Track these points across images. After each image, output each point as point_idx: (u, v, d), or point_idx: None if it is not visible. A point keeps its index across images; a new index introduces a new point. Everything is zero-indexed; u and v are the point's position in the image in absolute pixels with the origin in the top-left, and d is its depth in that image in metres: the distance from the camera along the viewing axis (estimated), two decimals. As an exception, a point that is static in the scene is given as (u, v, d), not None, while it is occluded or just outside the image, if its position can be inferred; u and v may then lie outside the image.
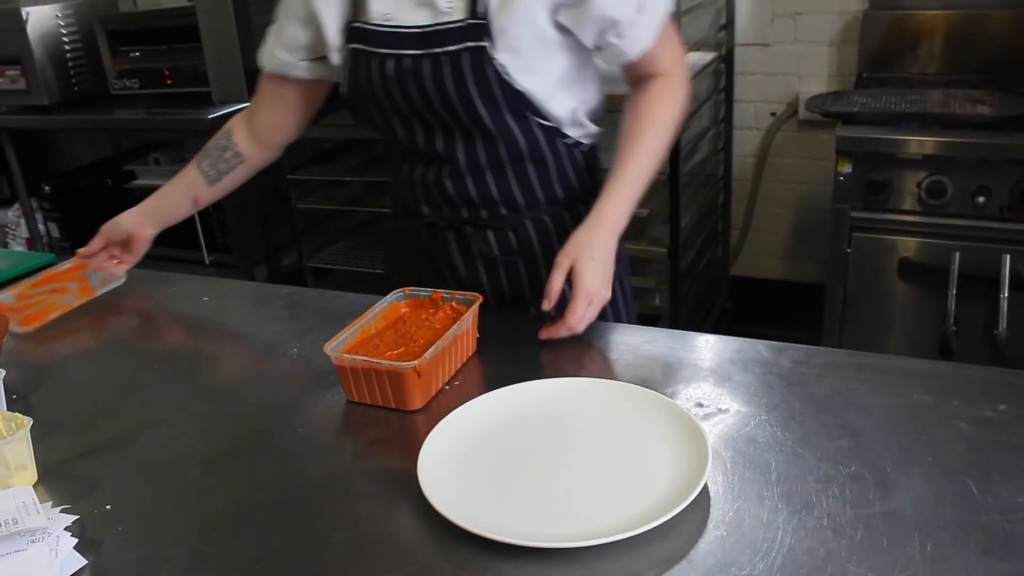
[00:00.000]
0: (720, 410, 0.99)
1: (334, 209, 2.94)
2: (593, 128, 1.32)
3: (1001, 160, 1.96)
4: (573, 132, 1.29)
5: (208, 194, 1.46)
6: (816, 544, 0.78)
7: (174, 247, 3.18)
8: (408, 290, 1.18)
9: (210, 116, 2.80)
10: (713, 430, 0.94)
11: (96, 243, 1.47)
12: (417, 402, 1.02)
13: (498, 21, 1.16)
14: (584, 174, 1.33)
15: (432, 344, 1.05)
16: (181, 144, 3.15)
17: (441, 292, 1.17)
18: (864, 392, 1.02)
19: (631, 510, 0.82)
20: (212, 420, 1.05)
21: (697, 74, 2.54)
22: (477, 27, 1.16)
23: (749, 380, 1.05)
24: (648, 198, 2.50)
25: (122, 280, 1.46)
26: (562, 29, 1.19)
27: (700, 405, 1.00)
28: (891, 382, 1.04)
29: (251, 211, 2.95)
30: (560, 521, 0.82)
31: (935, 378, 1.04)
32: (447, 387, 1.08)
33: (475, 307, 1.12)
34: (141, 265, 1.48)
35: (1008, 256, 1.97)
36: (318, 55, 1.33)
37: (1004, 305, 1.99)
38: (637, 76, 1.28)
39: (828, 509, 0.82)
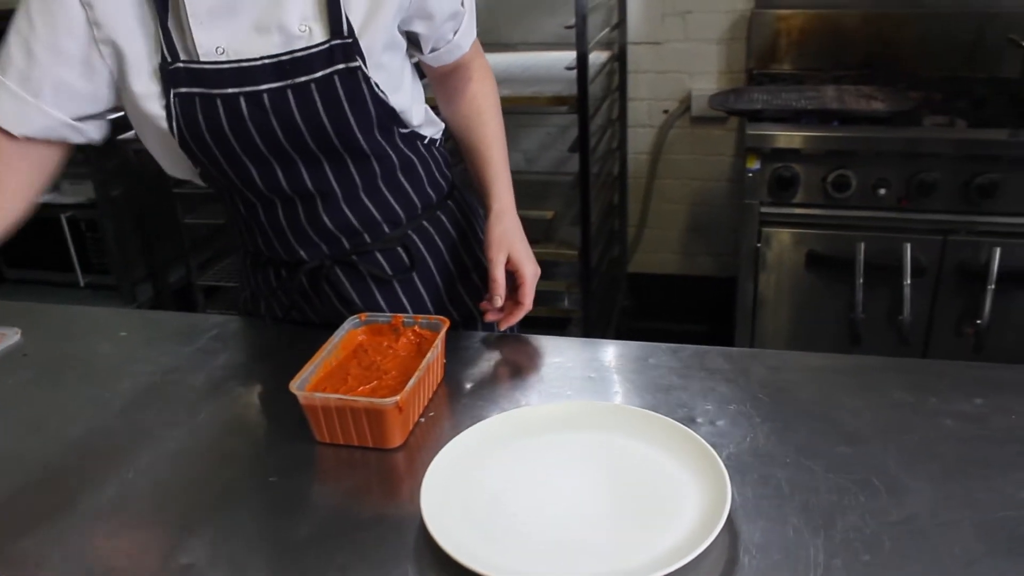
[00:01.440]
0: (713, 424, 0.97)
1: (221, 224, 2.78)
2: (440, 123, 1.29)
3: (897, 153, 2.04)
4: (428, 131, 1.25)
5: None
6: (850, 559, 0.76)
7: (43, 269, 2.95)
8: (364, 316, 1.11)
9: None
10: (714, 445, 0.91)
11: None
12: (397, 440, 0.95)
13: (364, 39, 1.06)
14: (444, 169, 1.30)
15: (405, 375, 0.99)
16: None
17: (402, 317, 1.10)
18: (847, 395, 1.02)
19: (658, 543, 0.78)
20: (170, 475, 0.94)
21: (596, 75, 2.53)
22: (345, 47, 1.04)
23: (734, 391, 1.03)
24: (551, 200, 2.50)
25: (18, 336, 1.29)
26: (405, 37, 1.16)
27: (692, 420, 0.97)
28: (868, 383, 1.04)
29: (129, 228, 2.76)
30: (586, 559, 0.77)
31: (908, 375, 1.06)
32: (422, 419, 1.01)
33: (443, 332, 1.06)
34: (11, 295, 1.26)
35: (909, 245, 2.06)
36: (104, 108, 1.10)
37: (907, 292, 2.08)
38: (456, 76, 1.29)
39: (850, 522, 0.81)
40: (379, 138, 1.13)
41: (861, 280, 2.11)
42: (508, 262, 1.18)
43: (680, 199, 3.06)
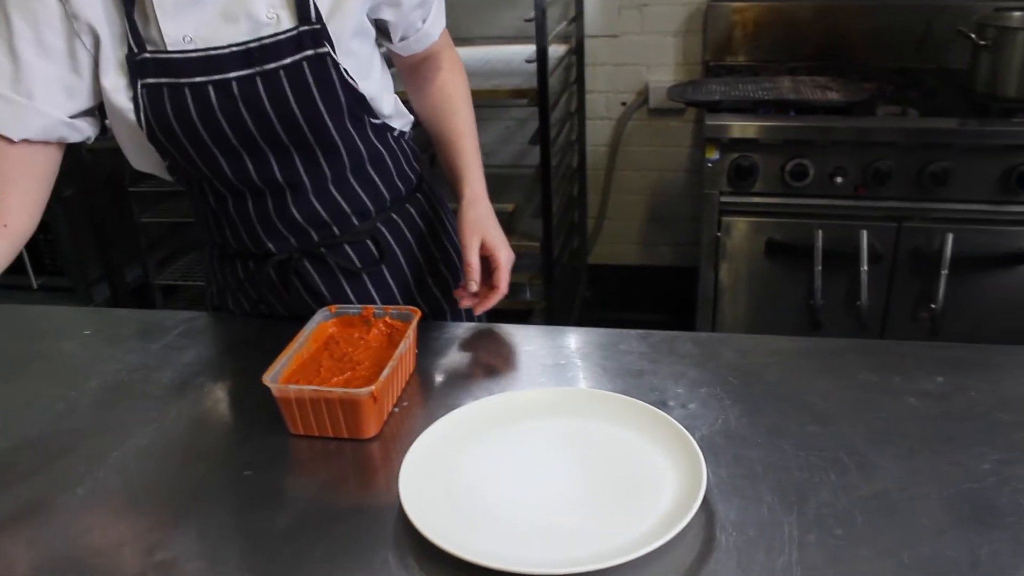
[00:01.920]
0: (685, 407, 0.98)
1: (178, 222, 2.74)
2: (409, 115, 1.30)
3: (852, 142, 2.08)
4: (398, 124, 1.25)
5: None
6: (824, 534, 0.78)
7: (-8, 272, 2.87)
8: (335, 308, 1.10)
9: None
10: (687, 428, 0.92)
11: None
12: (372, 430, 0.95)
13: (332, 25, 1.06)
14: (413, 162, 1.30)
15: (378, 366, 0.99)
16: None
17: (372, 308, 1.10)
18: (814, 377, 1.04)
19: (636, 525, 0.79)
20: (142, 472, 0.93)
21: (555, 68, 2.54)
22: (313, 33, 1.04)
23: (704, 375, 1.05)
24: (512, 193, 2.51)
25: None
26: (375, 25, 1.16)
27: (664, 404, 0.99)
28: (834, 364, 1.07)
29: (83, 228, 2.70)
30: (566, 543, 0.78)
31: (872, 356, 1.09)
32: (396, 409, 1.01)
33: (414, 322, 1.06)
34: None
35: (865, 232, 2.10)
36: (95, 102, 1.08)
37: (864, 278, 2.12)
38: (425, 66, 1.30)
39: (822, 498, 0.83)
40: (349, 127, 1.13)
41: (820, 267, 2.14)
42: (482, 247, 1.18)
43: (639, 190, 3.09)
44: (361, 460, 0.93)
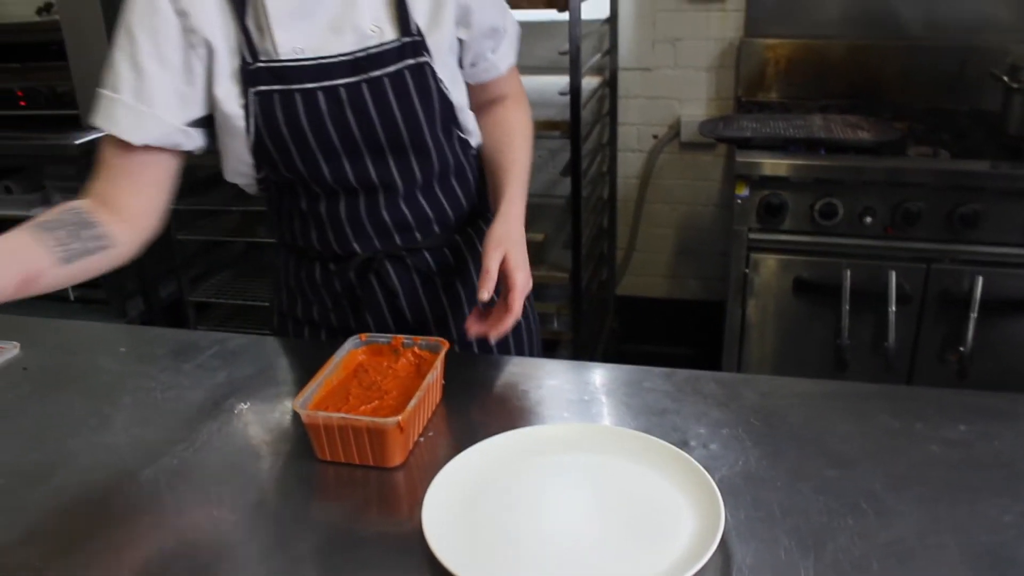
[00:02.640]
0: (706, 447, 0.99)
1: (214, 240, 2.79)
2: (480, 136, 1.34)
3: (883, 182, 2.09)
4: (474, 141, 1.32)
5: (53, 277, 1.04)
6: (840, 582, 0.78)
7: (31, 284, 2.93)
8: (365, 336, 1.12)
9: (77, 141, 2.59)
10: (707, 468, 0.93)
11: None
12: (398, 458, 0.97)
13: (430, 38, 1.16)
14: (481, 181, 1.36)
15: (405, 395, 1.01)
16: (38, 171, 2.90)
17: (401, 338, 1.12)
18: (836, 420, 1.04)
19: (653, 564, 0.80)
20: (169, 490, 0.95)
21: (588, 100, 2.57)
22: (414, 44, 1.15)
23: (726, 416, 1.06)
24: (542, 223, 2.52)
25: (16, 350, 1.30)
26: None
27: (686, 444, 1.00)
28: (857, 408, 1.07)
29: (120, 243, 2.75)
30: (584, 578, 0.79)
31: (895, 401, 1.09)
32: (421, 439, 1.03)
33: (442, 353, 1.08)
34: (4, 309, 1.22)
35: (894, 272, 2.10)
36: (207, 112, 1.15)
37: (892, 319, 2.11)
38: (490, 98, 1.35)
39: (839, 544, 0.83)
40: (440, 136, 1.21)
41: (847, 306, 2.14)
42: (502, 264, 1.15)
43: (669, 223, 3.10)
44: (386, 488, 0.95)
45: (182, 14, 1.08)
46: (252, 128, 1.13)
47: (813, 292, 2.20)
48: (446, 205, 1.28)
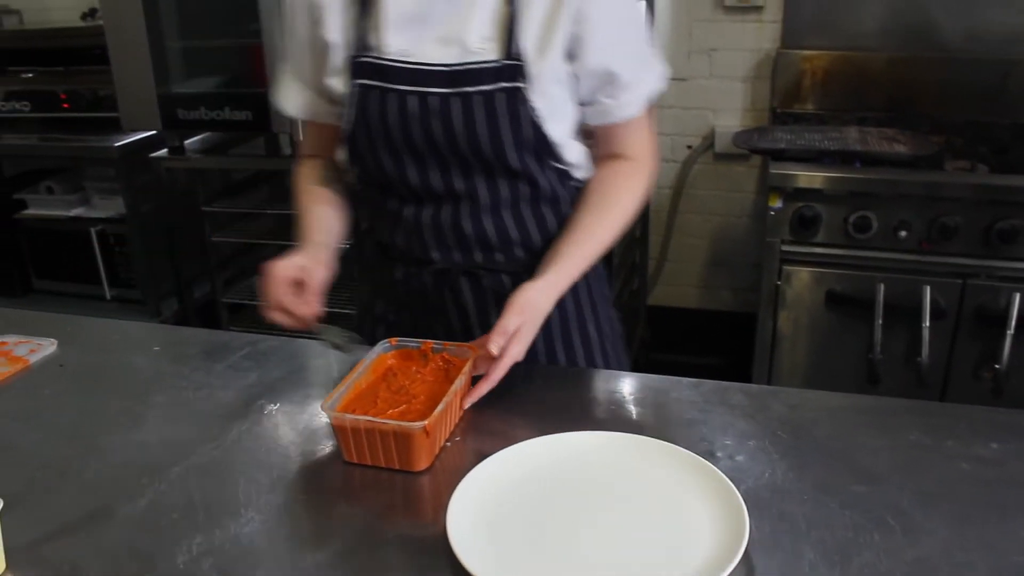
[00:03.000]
0: (732, 459, 0.99)
1: (248, 243, 2.83)
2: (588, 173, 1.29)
3: (919, 196, 2.06)
4: (580, 174, 1.26)
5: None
6: (865, 598, 0.78)
7: (70, 281, 3.00)
8: (395, 340, 1.13)
9: (117, 144, 2.65)
10: (733, 481, 0.93)
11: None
12: (423, 463, 0.97)
13: (534, 65, 1.13)
14: None
15: (433, 400, 1.01)
16: (79, 172, 2.96)
17: (431, 343, 1.13)
18: (864, 435, 1.03)
19: (676, 574, 0.80)
20: (198, 487, 0.97)
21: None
22: (513, 68, 1.13)
23: (754, 428, 1.05)
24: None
25: (54, 347, 1.33)
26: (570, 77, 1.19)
27: (712, 454, 0.99)
28: (886, 423, 1.06)
29: (157, 243, 2.80)
30: (606, 587, 0.79)
31: (926, 417, 1.07)
32: (448, 444, 1.04)
33: (471, 359, 1.08)
34: (39, 305, 1.31)
35: (928, 287, 2.07)
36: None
37: (926, 334, 2.09)
38: (608, 153, 1.27)
39: (865, 559, 0.82)
40: (532, 161, 1.18)
41: (880, 321, 2.12)
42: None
43: (701, 234, 3.09)
44: (412, 492, 0.96)
45: (314, 5, 1.19)
46: (349, 118, 1.18)
47: (846, 305, 2.18)
48: (533, 228, 1.24)
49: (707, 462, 0.94)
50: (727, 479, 0.90)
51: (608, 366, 1.33)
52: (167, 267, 2.79)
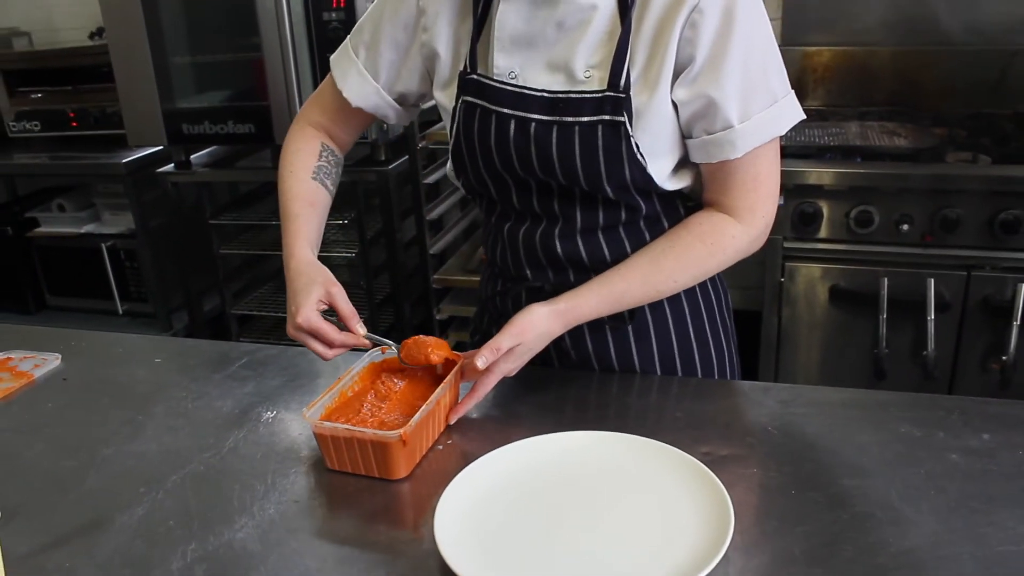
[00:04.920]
0: (723, 456, 0.99)
1: (255, 254, 2.85)
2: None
3: (920, 189, 2.05)
4: (691, 201, 1.20)
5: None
6: (849, 590, 0.78)
7: (83, 297, 3.04)
8: (386, 349, 1.14)
9: (125, 160, 2.68)
10: (721, 477, 0.93)
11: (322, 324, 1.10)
12: (402, 471, 0.98)
13: (637, 99, 1.07)
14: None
15: (417, 409, 1.01)
16: (89, 189, 3.00)
17: (420, 353, 1.14)
18: (854, 429, 1.04)
19: (661, 570, 0.80)
20: (194, 495, 0.99)
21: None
22: (616, 101, 1.06)
23: (744, 424, 1.06)
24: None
25: (58, 361, 1.35)
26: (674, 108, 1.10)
27: (701, 451, 1.00)
28: (876, 417, 1.06)
29: (166, 258, 2.84)
30: (590, 584, 0.80)
31: (916, 410, 1.07)
32: (440, 447, 1.05)
33: (456, 368, 1.09)
34: (52, 321, 1.33)
35: (932, 280, 2.06)
36: (411, 102, 1.30)
37: (931, 327, 2.08)
38: (710, 198, 1.15)
39: (850, 554, 0.82)
40: (631, 194, 1.12)
41: (885, 315, 2.11)
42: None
43: (707, 233, 3.07)
44: (400, 498, 0.97)
45: (423, 12, 1.18)
46: (453, 132, 1.19)
47: (850, 301, 2.17)
48: (629, 249, 1.17)
49: (694, 458, 0.94)
50: (713, 475, 0.91)
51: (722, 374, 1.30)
52: (177, 281, 2.82)
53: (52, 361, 1.35)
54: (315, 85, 2.34)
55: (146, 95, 2.47)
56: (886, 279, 2.10)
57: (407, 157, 2.55)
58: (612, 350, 1.22)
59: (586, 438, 1.00)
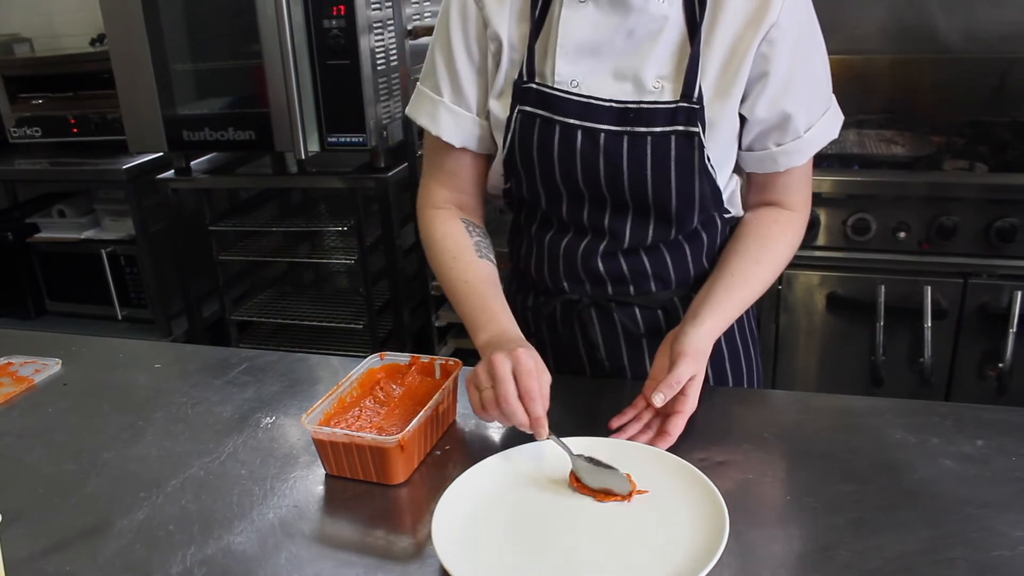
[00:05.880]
0: (719, 462, 1.00)
1: (255, 260, 2.86)
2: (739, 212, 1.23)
3: (917, 197, 2.07)
4: (733, 210, 1.21)
5: None
6: (843, 595, 0.79)
7: (83, 303, 3.04)
8: (385, 355, 1.15)
9: (125, 166, 2.69)
10: (717, 483, 0.94)
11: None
12: (400, 476, 0.99)
13: (711, 110, 1.07)
14: (721, 245, 1.23)
15: (415, 415, 1.01)
16: (90, 195, 3.01)
17: (420, 357, 1.14)
18: (850, 436, 1.04)
19: (657, 575, 0.81)
20: (193, 500, 0.99)
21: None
22: (690, 111, 1.06)
23: (740, 430, 1.06)
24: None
25: (59, 366, 1.36)
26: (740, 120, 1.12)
27: (696, 457, 1.00)
28: (871, 424, 1.07)
29: (166, 264, 2.84)
30: (587, 589, 0.80)
31: (911, 416, 1.08)
32: (437, 452, 1.05)
33: (455, 373, 1.10)
34: (52, 327, 1.33)
35: (929, 287, 2.07)
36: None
37: (928, 334, 2.09)
38: (764, 200, 1.19)
39: (846, 558, 0.83)
40: (691, 209, 1.12)
41: (882, 322, 2.12)
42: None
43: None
44: (391, 504, 0.97)
45: (487, 22, 1.13)
46: (507, 142, 1.14)
47: (847, 308, 2.18)
48: (669, 264, 1.18)
49: (690, 464, 0.95)
50: (709, 481, 0.91)
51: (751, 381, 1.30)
52: (177, 287, 2.83)
53: (52, 366, 1.36)
54: (316, 92, 2.35)
55: (147, 101, 2.48)
56: (883, 286, 2.11)
57: (406, 164, 2.56)
58: (648, 361, 1.22)
59: (582, 444, 1.00)
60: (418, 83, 1.22)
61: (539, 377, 0.99)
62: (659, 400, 1.01)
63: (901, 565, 0.82)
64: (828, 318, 2.21)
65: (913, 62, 2.59)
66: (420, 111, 1.21)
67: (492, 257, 1.20)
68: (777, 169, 1.14)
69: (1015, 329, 2.03)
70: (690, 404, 1.02)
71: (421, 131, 1.25)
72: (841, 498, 0.92)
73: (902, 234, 2.07)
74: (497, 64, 1.14)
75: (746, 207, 1.21)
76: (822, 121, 1.13)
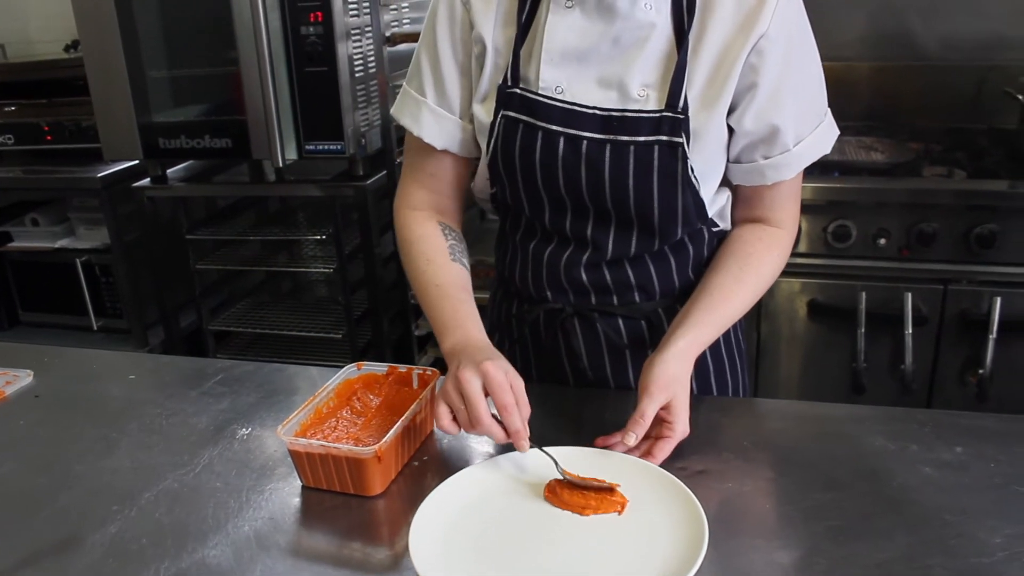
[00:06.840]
0: (698, 472, 0.99)
1: (232, 270, 2.83)
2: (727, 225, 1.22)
3: (897, 204, 2.08)
4: (723, 223, 1.19)
5: None
6: (823, 605, 0.78)
7: (57, 313, 3.00)
8: (362, 365, 1.14)
9: (100, 174, 2.66)
10: (696, 492, 0.93)
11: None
12: (377, 488, 0.97)
13: (696, 120, 1.06)
14: (708, 258, 1.21)
15: (392, 425, 1.00)
16: (64, 203, 2.97)
17: (398, 367, 1.13)
18: (829, 444, 1.04)
19: (636, 583, 0.80)
20: (167, 513, 0.97)
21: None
22: (674, 121, 1.04)
23: (720, 438, 1.06)
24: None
25: (30, 378, 1.33)
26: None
27: (676, 466, 0.99)
28: (851, 431, 1.07)
29: (142, 273, 2.81)
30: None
31: (890, 424, 1.08)
32: (415, 463, 1.04)
33: (433, 383, 1.09)
34: (26, 337, 1.31)
35: (909, 294, 2.08)
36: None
37: (909, 341, 2.09)
38: (750, 216, 1.18)
39: (823, 567, 0.83)
40: (674, 223, 1.11)
41: (863, 329, 2.13)
42: (663, 408, 1.01)
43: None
44: (367, 516, 0.96)
45: (474, 23, 1.12)
46: (491, 147, 1.13)
47: (828, 315, 2.19)
48: (653, 276, 1.18)
49: (669, 473, 0.94)
50: (688, 490, 0.91)
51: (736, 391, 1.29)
52: (153, 296, 2.79)
53: (24, 378, 1.33)
54: (293, 99, 2.33)
55: (122, 109, 2.45)
56: (864, 293, 2.11)
57: (385, 172, 2.55)
58: (631, 371, 1.21)
59: (561, 453, 0.99)
60: (404, 83, 1.22)
61: (513, 386, 0.98)
62: (631, 440, 0.99)
63: (880, 573, 0.81)
64: (809, 325, 2.22)
65: (892, 70, 2.61)
66: (404, 111, 1.21)
67: (466, 262, 1.19)
68: (764, 182, 1.12)
69: (995, 335, 2.04)
70: (679, 429, 1.00)
71: (400, 138, 1.24)
72: (821, 506, 0.92)
73: (882, 241, 2.08)
74: (481, 67, 1.13)
75: (733, 222, 1.20)
76: (813, 135, 1.11)
